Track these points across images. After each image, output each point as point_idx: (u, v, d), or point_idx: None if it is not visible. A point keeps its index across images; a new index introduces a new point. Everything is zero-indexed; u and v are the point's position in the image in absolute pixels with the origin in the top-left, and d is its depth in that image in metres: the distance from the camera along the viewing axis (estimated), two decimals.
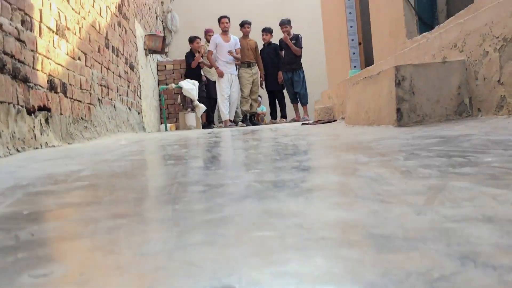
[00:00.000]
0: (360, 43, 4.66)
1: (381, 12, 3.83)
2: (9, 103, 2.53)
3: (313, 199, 0.88)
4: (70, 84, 3.62)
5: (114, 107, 5.10)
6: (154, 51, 7.97)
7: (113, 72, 5.17)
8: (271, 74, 9.76)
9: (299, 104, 9.41)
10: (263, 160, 1.69)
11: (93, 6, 4.48)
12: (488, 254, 0.48)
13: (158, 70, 9.37)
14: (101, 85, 4.58)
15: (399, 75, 2.52)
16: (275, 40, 9.80)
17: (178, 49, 11.60)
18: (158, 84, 9.25)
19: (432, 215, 0.65)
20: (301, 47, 9.10)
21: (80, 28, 3.99)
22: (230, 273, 0.48)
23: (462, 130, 1.94)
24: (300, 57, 9.21)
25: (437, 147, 1.48)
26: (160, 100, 8.37)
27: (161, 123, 8.17)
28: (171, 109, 8.92)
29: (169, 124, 7.41)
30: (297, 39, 9.14)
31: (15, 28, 2.66)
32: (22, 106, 2.70)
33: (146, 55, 7.85)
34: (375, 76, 2.82)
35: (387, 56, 3.73)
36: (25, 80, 2.77)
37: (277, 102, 10.16)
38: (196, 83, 7.09)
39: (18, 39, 2.70)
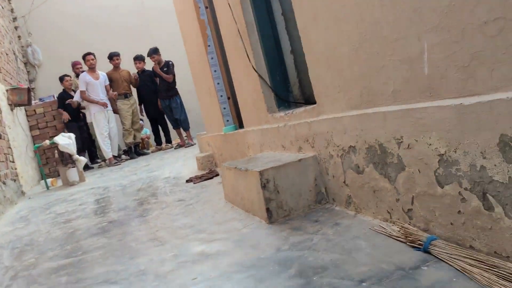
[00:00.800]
0: (229, 98, 4.92)
1: (242, 82, 4.12)
2: None
3: None
4: None
5: None
6: (20, 105, 7.56)
7: None
8: (150, 101, 9.82)
9: (181, 129, 9.59)
10: None
11: None
12: None
13: (27, 115, 8.92)
14: None
15: (264, 179, 2.82)
16: (148, 67, 9.83)
17: (45, 84, 11.10)
18: (30, 130, 8.83)
19: None
20: (173, 74, 9.23)
21: None
22: None
23: (320, 248, 2.27)
24: (174, 83, 9.35)
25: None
26: (36, 158, 8.00)
27: (42, 179, 7.84)
28: (50, 164, 8.62)
29: (50, 179, 7.15)
30: (167, 66, 9.26)
31: None
32: None
33: (12, 110, 7.44)
34: (244, 171, 3.10)
35: (255, 124, 4.04)
36: None
37: (160, 128, 10.26)
38: (72, 135, 6.91)
39: None
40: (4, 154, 6.11)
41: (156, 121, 10.08)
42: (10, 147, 6.57)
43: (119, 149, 9.54)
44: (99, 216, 4.34)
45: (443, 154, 1.82)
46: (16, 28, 10.95)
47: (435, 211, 1.95)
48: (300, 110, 3.21)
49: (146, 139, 11.24)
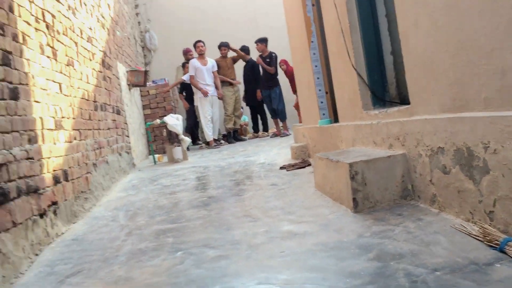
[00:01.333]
0: (327, 92, 5.14)
1: (341, 79, 4.31)
2: (27, 219, 2.99)
3: None
4: (70, 167, 4.07)
5: (107, 162, 5.54)
6: (136, 85, 8.36)
7: (103, 130, 5.60)
8: (250, 90, 10.30)
9: (278, 119, 9.94)
10: None
11: (81, 79, 4.89)
12: None
13: (141, 95, 9.78)
14: (94, 150, 5.02)
15: (353, 171, 3.03)
16: (253, 57, 10.29)
17: (159, 68, 12.02)
18: (143, 108, 9.68)
19: None
20: (275, 66, 9.58)
21: (73, 108, 4.41)
22: None
23: (399, 236, 2.45)
24: (275, 74, 9.71)
25: (368, 262, 1.99)
26: (147, 135, 8.82)
27: (150, 154, 8.61)
28: (159, 140, 9.43)
29: (157, 155, 7.87)
30: (270, 57, 9.64)
31: (25, 150, 3.11)
32: (36, 214, 3.16)
33: (130, 89, 8.25)
34: (335, 162, 3.32)
35: (348, 119, 4.23)
36: (36, 190, 3.22)
37: (258, 116, 10.72)
38: (180, 117, 7.55)
39: (28, 158, 3.15)
40: (121, 129, 6.85)
41: (255, 109, 10.55)
42: (126, 123, 7.34)
43: (218, 133, 10.13)
44: (199, 191, 4.80)
45: None
46: (137, 14, 11.96)
47: None
48: (394, 109, 3.36)
49: (245, 125, 11.78)
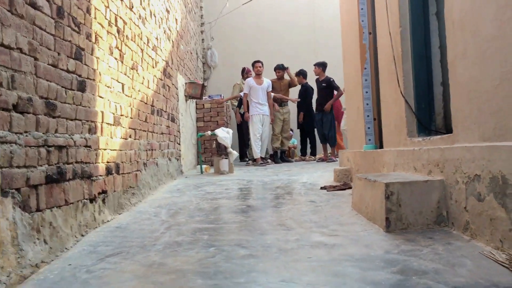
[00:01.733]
0: (375, 119, 5.20)
1: (389, 105, 4.38)
2: (78, 201, 3.24)
3: None
4: (122, 162, 4.34)
5: (157, 164, 5.82)
6: (193, 97, 8.71)
7: (156, 133, 5.90)
8: (305, 113, 10.48)
9: (328, 145, 10.00)
10: None
11: (142, 83, 5.22)
12: None
13: (196, 108, 10.15)
14: (146, 150, 5.31)
15: (388, 191, 3.09)
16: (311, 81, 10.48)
17: (216, 84, 12.45)
18: (197, 121, 10.03)
19: None
20: (333, 89, 9.66)
21: (131, 109, 4.72)
22: None
23: (426, 255, 2.49)
24: (330, 99, 9.80)
25: (392, 275, 2.05)
26: (197, 145, 9.13)
27: (198, 164, 8.89)
28: (207, 151, 9.72)
29: (204, 166, 8.11)
30: (328, 81, 9.76)
31: (84, 138, 3.39)
32: (86, 199, 3.41)
33: (186, 100, 8.61)
34: (372, 182, 3.39)
35: (392, 145, 4.28)
36: (89, 177, 3.49)
37: (308, 139, 10.84)
38: (230, 131, 7.79)
39: (86, 146, 3.42)
40: (174, 136, 7.16)
41: (306, 133, 10.70)
42: (179, 131, 7.66)
43: (266, 153, 10.31)
44: (240, 200, 4.95)
45: None
46: (202, 32, 12.49)
47: None
48: (436, 137, 3.40)
49: (293, 148, 11.93)
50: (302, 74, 10.57)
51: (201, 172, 7.93)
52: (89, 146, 3.48)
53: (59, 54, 3.01)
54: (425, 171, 3.38)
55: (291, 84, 10.62)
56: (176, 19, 7.87)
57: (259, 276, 2.40)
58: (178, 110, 7.72)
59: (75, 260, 2.79)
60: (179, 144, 7.59)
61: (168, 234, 3.42)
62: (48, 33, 2.86)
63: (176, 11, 7.96)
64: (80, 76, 3.35)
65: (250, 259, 2.68)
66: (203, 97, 9.45)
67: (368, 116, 5.26)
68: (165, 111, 6.54)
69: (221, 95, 10.87)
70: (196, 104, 10.05)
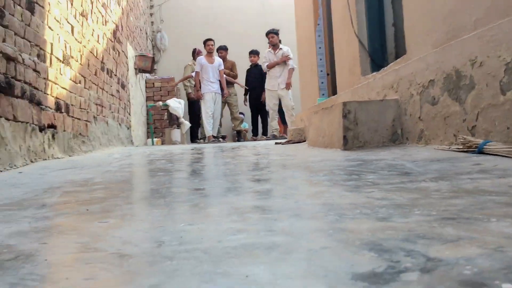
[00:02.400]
0: (328, 74, 5.29)
1: (343, 51, 4.47)
2: (26, 123, 3.08)
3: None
4: (72, 105, 4.18)
5: (107, 123, 5.65)
6: (143, 71, 8.54)
7: (107, 92, 5.73)
8: (255, 93, 10.47)
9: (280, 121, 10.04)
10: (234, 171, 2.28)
11: (92, 35, 5.05)
12: None
13: (146, 87, 9.94)
14: (96, 104, 5.14)
15: (346, 109, 3.13)
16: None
17: (167, 67, 12.25)
18: (146, 101, 9.82)
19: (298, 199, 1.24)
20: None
21: (81, 55, 4.56)
22: None
23: (383, 155, 2.55)
24: None
25: (352, 168, 2.08)
26: (147, 116, 8.93)
27: (148, 138, 8.71)
28: (158, 125, 9.51)
29: (156, 139, 7.95)
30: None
31: (33, 61, 3.23)
32: (35, 125, 3.25)
33: (136, 74, 8.42)
34: (329, 108, 3.44)
35: (347, 88, 4.37)
36: (38, 103, 3.33)
37: (259, 119, 10.85)
38: (182, 101, 7.68)
39: (35, 70, 3.27)
40: (124, 103, 6.98)
41: (258, 112, 10.72)
42: (129, 101, 7.47)
43: (218, 132, 10.25)
44: (194, 152, 4.89)
45: (509, 63, 2.05)
46: (151, 14, 12.28)
47: (495, 120, 2.16)
48: (390, 64, 3.50)
49: (244, 131, 11.92)
50: (256, 53, 10.58)
51: (152, 143, 7.76)
52: (38, 72, 3.33)
53: None
54: (381, 97, 3.46)
55: (233, 70, 10.55)
56: None
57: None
58: (128, 80, 7.54)
59: (27, 171, 2.65)
60: (129, 114, 7.40)
61: (121, 163, 3.32)
62: None
63: None
64: None
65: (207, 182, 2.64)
66: (154, 75, 9.26)
67: (321, 71, 5.34)
68: (115, 75, 6.37)
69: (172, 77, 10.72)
70: (146, 83, 9.86)
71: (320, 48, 5.31)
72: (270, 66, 8.84)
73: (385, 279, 0.57)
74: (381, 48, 4.07)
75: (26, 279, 0.66)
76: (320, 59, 5.31)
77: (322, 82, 5.29)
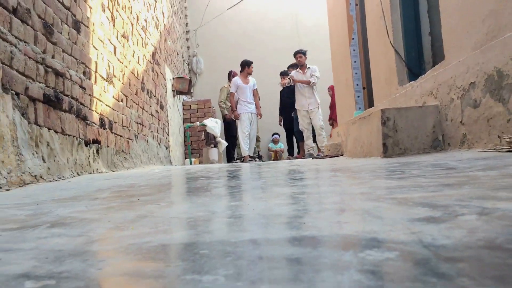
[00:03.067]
0: (364, 88, 5.27)
1: (379, 62, 4.47)
2: (73, 136, 3.21)
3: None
4: (115, 122, 4.31)
5: (147, 142, 5.79)
6: (181, 92, 8.74)
7: (146, 112, 5.88)
8: (289, 113, 10.50)
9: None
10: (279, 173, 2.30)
11: (133, 56, 5.24)
12: None
13: (183, 109, 10.15)
14: (137, 123, 5.28)
15: (385, 116, 3.12)
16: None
17: (202, 90, 12.48)
18: (184, 122, 10.01)
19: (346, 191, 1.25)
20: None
21: (123, 75, 4.72)
22: None
23: (425, 159, 2.52)
24: None
25: (394, 167, 2.07)
26: (185, 136, 9.09)
27: (186, 158, 8.84)
28: (195, 145, 9.65)
29: (193, 159, 8.07)
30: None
31: (79, 78, 3.38)
32: (82, 139, 3.37)
33: (174, 96, 8.62)
34: (367, 116, 3.43)
35: (384, 99, 4.35)
36: (84, 118, 3.46)
37: (294, 140, 10.86)
38: (219, 121, 7.79)
39: (81, 86, 3.41)
40: (163, 124, 7.15)
41: (292, 132, 10.73)
42: (167, 122, 7.64)
43: (254, 152, 10.30)
44: (229, 175, 4.95)
45: None
46: (187, 40, 12.61)
47: None
48: (427, 73, 3.47)
49: (280, 152, 11.94)
50: (286, 74, 10.67)
51: (190, 163, 7.88)
52: (84, 88, 3.47)
53: None
54: (420, 104, 3.43)
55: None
56: (163, 13, 7.96)
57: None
58: (167, 102, 7.72)
59: (74, 181, 2.75)
60: (168, 135, 7.56)
61: (163, 174, 3.40)
62: None
63: (163, 4, 8.06)
64: (74, 16, 3.36)
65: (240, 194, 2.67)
66: (191, 93, 9.45)
67: (357, 85, 5.33)
68: (154, 96, 6.54)
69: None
70: (183, 105, 10.07)
71: (355, 62, 5.32)
72: (296, 81, 8.85)
73: (443, 219, 0.58)
74: (418, 57, 4.05)
75: (90, 232, 0.70)
76: (356, 73, 5.31)
77: (358, 96, 5.28)
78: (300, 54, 8.73)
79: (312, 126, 9.20)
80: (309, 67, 8.75)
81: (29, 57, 2.56)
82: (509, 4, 2.41)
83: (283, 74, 10.68)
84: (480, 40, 2.69)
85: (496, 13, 2.53)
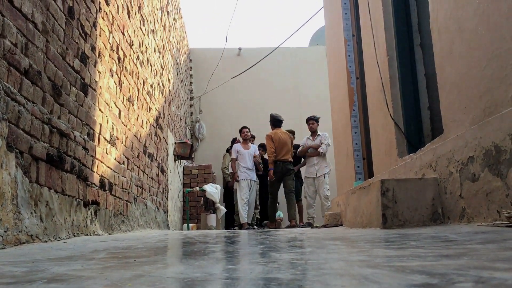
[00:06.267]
0: (364, 158, 5.33)
1: (379, 134, 4.54)
2: (73, 197, 3.21)
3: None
4: (115, 184, 4.32)
5: (146, 205, 5.76)
6: (182, 157, 8.80)
7: (147, 175, 5.91)
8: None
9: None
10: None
11: (137, 120, 5.34)
12: None
13: (184, 173, 10.17)
14: (137, 186, 5.29)
15: (384, 187, 3.13)
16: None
17: (204, 155, 12.58)
18: (183, 187, 10.00)
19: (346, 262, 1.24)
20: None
21: (126, 138, 4.79)
22: None
23: (425, 231, 2.50)
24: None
25: (393, 238, 2.05)
26: (184, 201, 9.05)
27: (184, 223, 8.75)
28: (193, 211, 9.58)
29: (191, 224, 7.99)
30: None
31: (83, 139, 3.43)
32: (81, 199, 3.37)
33: (175, 160, 8.68)
34: (367, 187, 3.44)
35: (384, 170, 4.37)
36: (85, 179, 3.48)
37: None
38: (219, 187, 7.79)
39: (84, 147, 3.45)
40: (163, 188, 7.14)
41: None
42: (167, 186, 7.64)
43: (252, 219, 10.19)
44: (227, 240, 4.89)
45: None
46: (191, 105, 12.90)
47: None
48: (426, 146, 3.52)
49: (279, 220, 11.82)
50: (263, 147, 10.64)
51: (188, 229, 7.78)
52: (87, 149, 3.51)
53: (67, 49, 3.16)
54: (419, 176, 3.45)
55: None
56: (169, 80, 8.20)
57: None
58: (168, 166, 7.77)
59: (70, 242, 2.72)
60: (167, 199, 7.53)
61: (160, 238, 3.36)
62: (59, 25, 3.02)
63: (169, 72, 8.32)
64: (83, 79, 3.47)
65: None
66: (192, 158, 9.51)
67: (357, 155, 5.39)
68: (156, 159, 6.60)
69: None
70: (184, 169, 10.11)
71: (355, 132, 5.42)
72: (301, 153, 8.86)
73: (440, 286, 0.58)
74: (417, 131, 4.12)
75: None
76: (356, 144, 5.39)
77: (358, 166, 5.32)
78: (312, 120, 8.76)
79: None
80: (319, 134, 8.79)
81: (36, 117, 2.62)
82: (505, 82, 2.49)
83: (262, 146, 10.51)
84: (478, 116, 2.76)
85: (492, 91, 2.62)
